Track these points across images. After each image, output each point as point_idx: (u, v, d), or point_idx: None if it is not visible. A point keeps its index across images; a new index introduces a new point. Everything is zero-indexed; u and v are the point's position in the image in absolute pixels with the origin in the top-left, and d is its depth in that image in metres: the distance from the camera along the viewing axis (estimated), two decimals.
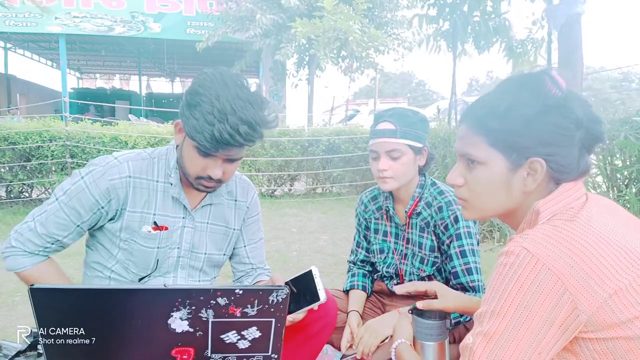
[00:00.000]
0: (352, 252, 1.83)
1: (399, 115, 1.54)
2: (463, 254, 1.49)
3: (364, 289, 1.73)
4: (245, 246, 1.51)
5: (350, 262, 1.83)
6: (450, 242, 1.52)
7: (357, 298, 1.69)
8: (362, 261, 1.80)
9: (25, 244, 1.28)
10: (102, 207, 1.27)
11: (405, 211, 1.60)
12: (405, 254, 1.63)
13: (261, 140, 1.24)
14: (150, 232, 1.31)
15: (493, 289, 0.79)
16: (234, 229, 1.46)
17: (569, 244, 0.76)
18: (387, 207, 1.66)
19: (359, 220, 1.78)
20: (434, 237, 1.56)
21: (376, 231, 1.73)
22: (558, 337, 0.75)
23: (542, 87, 0.86)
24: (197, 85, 1.19)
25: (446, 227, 1.52)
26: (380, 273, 1.72)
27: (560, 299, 0.73)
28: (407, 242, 1.63)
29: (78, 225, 1.29)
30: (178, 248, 1.37)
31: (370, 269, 1.79)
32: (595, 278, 0.74)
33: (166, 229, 1.33)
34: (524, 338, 0.75)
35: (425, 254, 1.58)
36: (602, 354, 0.76)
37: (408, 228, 1.62)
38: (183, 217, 1.36)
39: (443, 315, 1.06)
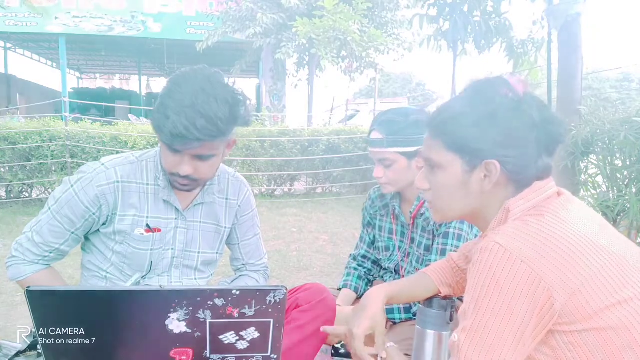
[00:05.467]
0: (356, 245, 1.85)
1: (387, 123, 1.52)
2: (443, 252, 1.49)
3: (356, 290, 1.73)
4: (238, 244, 1.52)
5: (350, 257, 1.84)
6: (438, 238, 1.52)
7: (346, 297, 1.69)
8: (363, 257, 1.81)
9: (25, 254, 1.31)
10: (94, 214, 1.28)
11: (410, 212, 1.60)
12: (408, 253, 1.64)
13: (225, 139, 1.20)
14: (143, 234, 1.31)
15: (472, 286, 0.81)
16: (225, 227, 1.46)
17: (540, 237, 0.79)
18: (394, 206, 1.66)
19: (364, 215, 1.80)
20: (431, 237, 1.57)
21: (381, 228, 1.73)
22: (535, 326, 0.77)
23: (495, 91, 0.88)
24: (169, 82, 1.19)
25: (440, 225, 1.53)
26: (381, 270, 1.73)
27: (537, 290, 0.76)
28: (412, 242, 1.64)
29: (72, 233, 1.30)
30: (172, 249, 1.37)
31: (370, 267, 1.79)
32: (568, 266, 0.77)
33: (159, 230, 1.33)
34: (507, 331, 0.76)
35: (421, 254, 1.58)
36: (577, 346, 0.78)
37: (413, 228, 1.63)
38: (175, 218, 1.36)
39: (445, 307, 1.08)
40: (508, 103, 0.87)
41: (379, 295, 1.10)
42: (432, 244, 1.56)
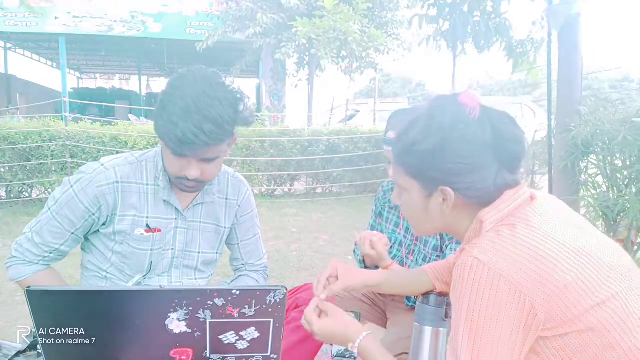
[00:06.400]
0: None
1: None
2: None
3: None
4: (238, 243, 1.53)
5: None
6: (450, 243, 1.53)
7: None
8: None
9: (25, 254, 1.31)
10: (93, 214, 1.28)
11: None
12: (413, 250, 1.65)
13: (230, 139, 1.21)
14: (143, 234, 1.32)
15: (458, 305, 0.81)
16: (225, 227, 1.46)
17: (514, 248, 0.79)
18: None
19: (376, 204, 1.82)
20: (438, 237, 1.57)
21: (388, 220, 1.75)
22: (525, 337, 0.78)
23: (445, 117, 0.88)
24: (168, 85, 1.18)
25: None
26: None
27: (519, 303, 0.76)
28: (416, 239, 1.64)
29: (72, 233, 1.30)
30: (172, 249, 1.37)
31: None
32: (545, 275, 0.77)
33: (159, 231, 1.33)
34: (501, 346, 0.77)
35: (428, 252, 1.59)
36: (559, 349, 0.79)
37: None
38: (175, 218, 1.36)
39: (441, 303, 1.09)
40: (458, 129, 0.87)
41: (371, 272, 1.17)
42: (442, 245, 1.56)
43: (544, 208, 0.88)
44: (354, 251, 1.80)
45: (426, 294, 1.13)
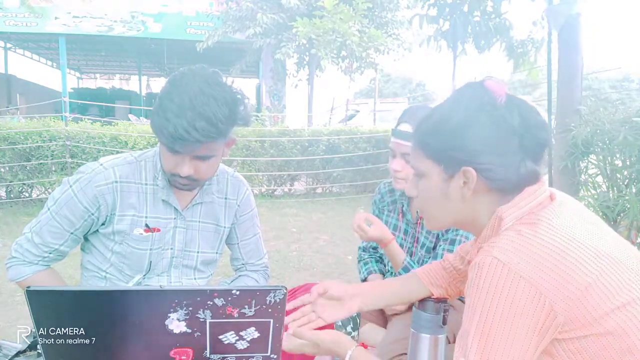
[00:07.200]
0: None
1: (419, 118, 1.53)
2: None
3: (381, 272, 1.73)
4: (238, 243, 1.52)
5: (361, 249, 1.84)
6: (443, 243, 1.52)
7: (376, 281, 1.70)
8: (374, 248, 1.81)
9: (25, 255, 1.31)
10: (93, 214, 1.28)
11: (417, 211, 1.60)
12: (413, 253, 1.64)
13: (224, 139, 1.20)
14: (142, 234, 1.32)
15: (472, 304, 0.80)
16: (224, 227, 1.46)
17: (536, 248, 0.78)
18: (402, 203, 1.67)
19: (373, 208, 1.80)
20: (434, 239, 1.56)
21: (387, 223, 1.73)
22: (539, 341, 0.77)
23: (472, 99, 0.88)
24: (167, 83, 1.18)
25: (447, 230, 1.52)
26: (386, 267, 1.73)
27: (538, 305, 0.75)
28: (416, 241, 1.64)
29: (72, 233, 1.31)
30: (171, 249, 1.37)
31: (382, 255, 1.79)
32: (566, 277, 0.75)
33: (158, 230, 1.33)
34: (513, 349, 0.76)
35: (422, 255, 1.58)
36: (576, 352, 0.78)
37: (419, 228, 1.62)
38: (174, 218, 1.36)
39: (438, 310, 1.08)
40: (485, 111, 0.86)
41: (358, 301, 1.12)
42: (434, 247, 1.56)
43: (563, 207, 0.86)
44: (360, 269, 1.79)
45: (423, 301, 1.11)
